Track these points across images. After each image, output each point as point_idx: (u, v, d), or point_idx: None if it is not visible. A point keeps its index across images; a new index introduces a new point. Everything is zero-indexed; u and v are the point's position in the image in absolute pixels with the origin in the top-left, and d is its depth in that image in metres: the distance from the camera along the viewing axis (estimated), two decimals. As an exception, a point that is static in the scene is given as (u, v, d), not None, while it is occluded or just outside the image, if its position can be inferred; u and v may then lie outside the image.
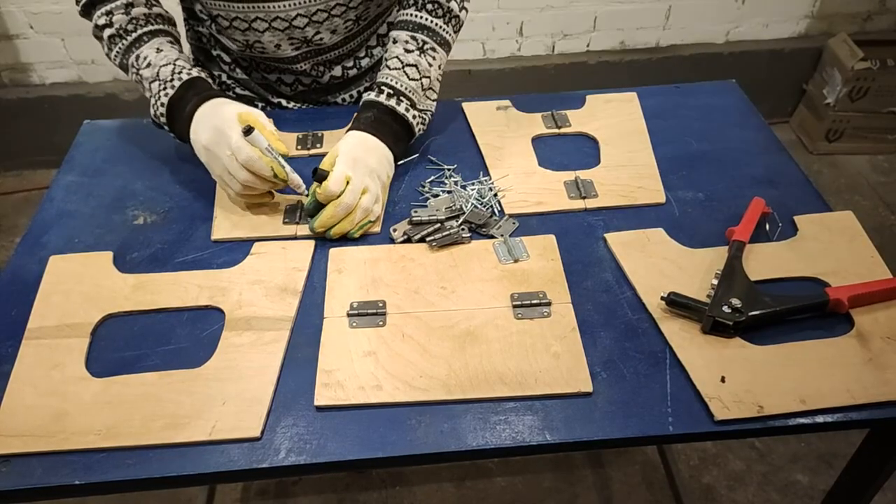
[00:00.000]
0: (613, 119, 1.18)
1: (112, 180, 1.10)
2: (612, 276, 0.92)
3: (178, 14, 1.17)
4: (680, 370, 0.80)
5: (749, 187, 1.04)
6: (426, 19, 1.06)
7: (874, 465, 0.91)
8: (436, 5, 1.06)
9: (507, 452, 0.75)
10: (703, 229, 0.98)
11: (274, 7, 1.05)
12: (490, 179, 1.06)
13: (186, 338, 0.86)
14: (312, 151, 1.13)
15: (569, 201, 1.03)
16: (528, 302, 0.87)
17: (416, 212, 0.99)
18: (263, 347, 0.84)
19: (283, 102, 1.25)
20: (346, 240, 0.98)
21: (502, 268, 0.93)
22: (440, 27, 1.07)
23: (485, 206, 1.02)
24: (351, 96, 1.26)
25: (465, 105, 1.22)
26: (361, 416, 0.77)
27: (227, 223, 1.00)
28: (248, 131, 0.92)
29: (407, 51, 1.06)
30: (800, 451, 1.79)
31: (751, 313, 0.82)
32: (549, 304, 0.87)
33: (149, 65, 1.02)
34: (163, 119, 1.02)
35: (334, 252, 0.95)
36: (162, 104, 1.01)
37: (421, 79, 1.05)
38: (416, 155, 1.12)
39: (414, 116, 1.05)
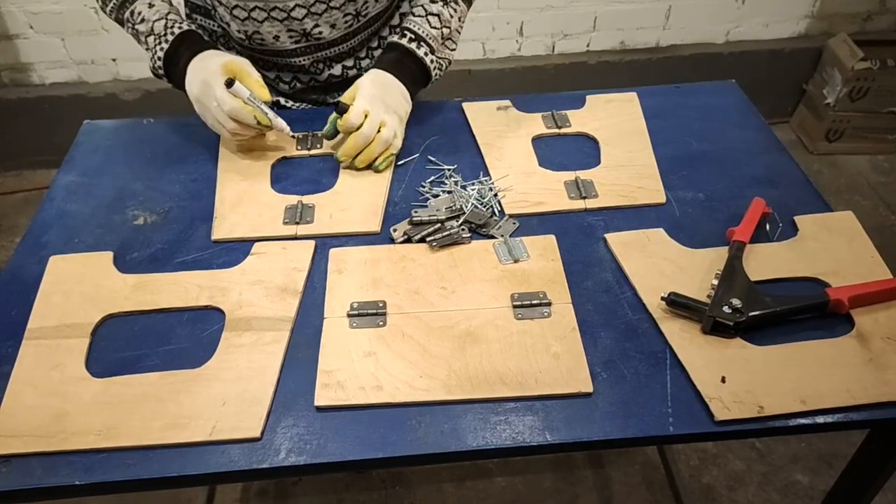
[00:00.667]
0: (613, 119, 1.18)
1: (112, 180, 1.10)
2: (612, 277, 0.92)
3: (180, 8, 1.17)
4: (680, 370, 0.80)
5: (749, 187, 1.04)
6: None
7: (874, 465, 0.91)
8: None
9: (507, 453, 0.75)
10: (704, 229, 0.98)
11: None
12: (490, 179, 1.06)
13: (186, 338, 0.86)
14: (313, 151, 1.13)
15: (569, 201, 1.03)
16: (529, 302, 0.87)
17: (416, 212, 0.99)
18: (264, 348, 0.84)
19: (282, 101, 1.25)
20: (346, 237, 0.98)
21: (502, 268, 0.93)
22: None
23: (485, 207, 1.02)
24: None
25: (465, 105, 1.22)
26: (362, 417, 0.77)
27: (227, 223, 1.00)
28: (229, 83, 1.01)
29: (432, 1, 1.13)
30: (800, 452, 1.79)
31: (751, 313, 0.82)
32: (549, 304, 0.87)
33: (143, 20, 1.09)
34: (161, 72, 1.10)
35: (334, 252, 0.95)
36: (159, 58, 1.09)
37: (442, 28, 1.12)
38: (417, 155, 1.12)
39: (432, 61, 1.12)
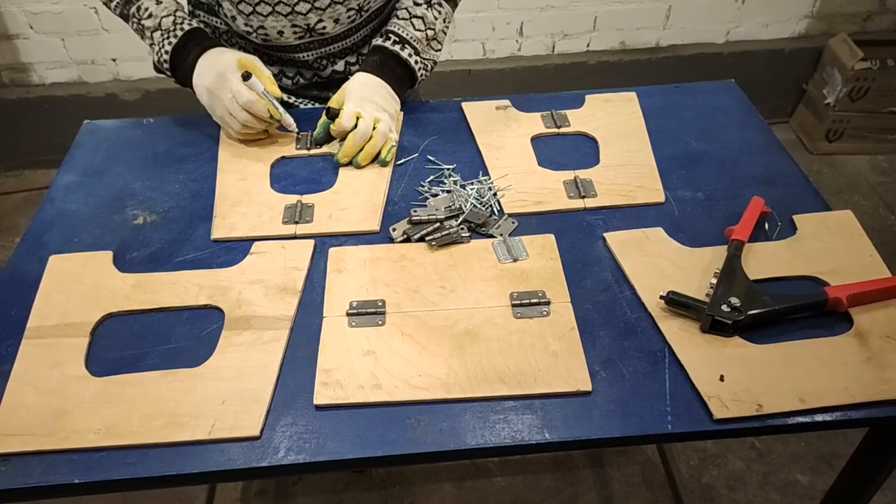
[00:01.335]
0: (613, 119, 1.18)
1: (112, 180, 1.10)
2: (611, 276, 0.92)
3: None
4: (679, 369, 0.80)
5: (748, 187, 1.04)
6: None
7: (874, 464, 0.91)
8: None
9: (506, 451, 0.75)
10: (703, 228, 0.98)
11: None
12: (489, 179, 1.06)
13: (186, 337, 0.86)
14: (312, 151, 1.13)
15: (568, 201, 1.03)
16: (528, 301, 0.87)
17: (415, 211, 0.99)
18: (263, 347, 0.84)
19: (285, 97, 1.25)
20: (346, 236, 0.98)
21: (501, 267, 0.93)
22: None
23: (484, 206, 1.02)
24: None
25: (464, 105, 1.22)
26: (361, 415, 0.77)
27: (226, 223, 1.01)
28: (246, 76, 1.04)
29: (416, 3, 1.14)
30: (800, 451, 1.79)
31: (750, 312, 0.82)
32: (548, 303, 0.87)
33: (150, 15, 1.09)
34: (166, 66, 1.11)
35: (333, 251, 0.95)
36: (166, 52, 1.10)
37: (426, 30, 1.14)
38: (416, 154, 1.12)
39: (416, 62, 1.14)
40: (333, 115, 1.08)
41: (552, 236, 0.97)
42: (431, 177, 1.08)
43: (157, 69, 1.14)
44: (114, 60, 2.47)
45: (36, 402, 0.78)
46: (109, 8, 1.14)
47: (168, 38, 1.09)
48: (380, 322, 0.86)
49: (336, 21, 1.15)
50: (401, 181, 1.08)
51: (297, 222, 1.00)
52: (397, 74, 1.14)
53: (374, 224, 1.00)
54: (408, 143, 1.14)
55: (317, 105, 1.27)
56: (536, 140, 1.15)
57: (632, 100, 1.22)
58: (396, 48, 1.13)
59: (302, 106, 1.26)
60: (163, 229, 1.01)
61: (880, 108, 2.57)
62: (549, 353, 0.82)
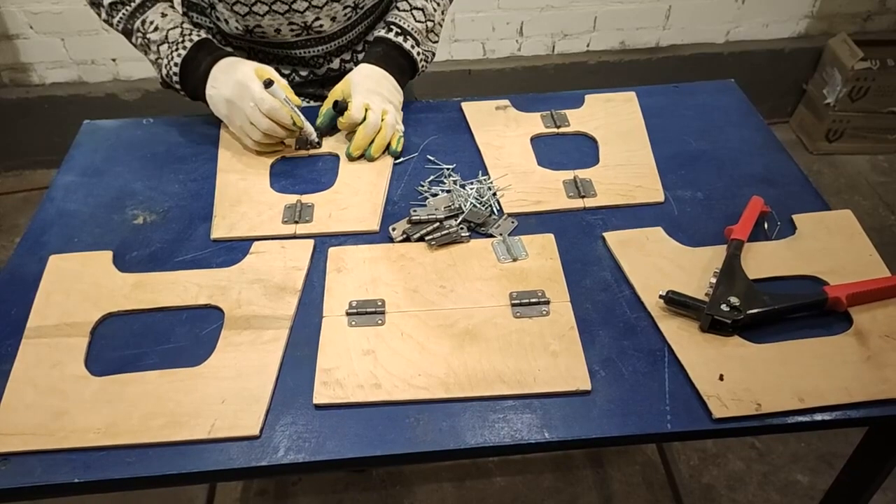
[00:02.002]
0: (612, 118, 1.18)
1: (112, 180, 1.10)
2: (610, 275, 0.92)
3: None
4: (678, 368, 0.80)
5: (748, 186, 1.04)
6: None
7: (873, 463, 0.91)
8: None
9: (505, 451, 0.75)
10: (702, 228, 0.98)
11: None
12: (489, 179, 1.06)
13: (186, 337, 0.86)
14: (312, 152, 1.13)
15: (567, 200, 1.03)
16: (527, 301, 0.87)
17: (415, 211, 0.99)
18: (262, 346, 0.84)
19: None
20: (345, 236, 0.98)
21: (501, 267, 0.93)
22: None
23: (484, 206, 1.02)
24: None
25: (464, 105, 1.22)
26: (360, 415, 0.77)
27: (226, 222, 1.01)
28: (269, 84, 1.03)
29: None
30: (800, 451, 1.79)
31: (749, 312, 0.82)
32: (547, 302, 0.87)
33: (156, 28, 1.08)
34: (175, 78, 1.09)
35: (333, 251, 0.96)
36: (175, 64, 1.08)
37: (426, 21, 1.16)
38: (416, 154, 1.12)
39: (418, 53, 1.16)
40: (342, 108, 1.08)
41: (552, 236, 0.97)
42: (431, 176, 1.08)
43: (165, 84, 1.13)
44: (114, 60, 2.47)
45: (36, 401, 0.78)
46: (111, 25, 1.12)
47: (177, 49, 1.08)
48: (379, 322, 0.86)
49: (333, 19, 1.15)
50: (400, 181, 1.08)
51: (296, 222, 1.00)
52: (400, 65, 1.15)
53: (373, 224, 1.00)
54: (408, 142, 1.14)
55: (312, 103, 1.27)
56: (536, 140, 1.15)
57: (632, 100, 1.22)
58: (399, 39, 1.14)
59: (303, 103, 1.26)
60: (163, 229, 1.01)
61: (880, 108, 2.57)
62: (549, 352, 0.82)
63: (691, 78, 2.19)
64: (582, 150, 1.13)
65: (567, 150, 1.13)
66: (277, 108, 1.03)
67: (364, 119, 1.07)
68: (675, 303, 0.85)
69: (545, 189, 1.05)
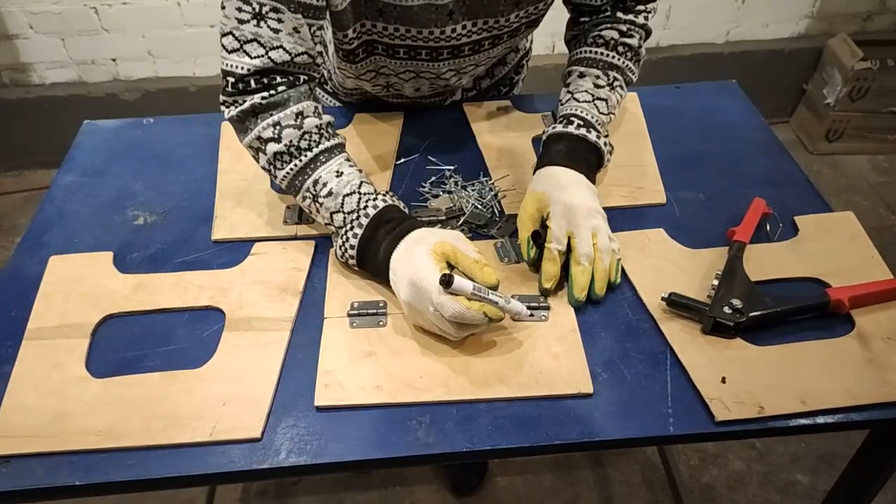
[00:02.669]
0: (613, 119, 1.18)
1: (112, 180, 1.10)
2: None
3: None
4: (680, 371, 0.80)
5: (749, 187, 1.04)
6: (618, 59, 1.03)
7: (874, 465, 0.91)
8: (626, 48, 1.04)
9: (507, 453, 0.75)
10: (704, 230, 0.98)
11: (427, 65, 1.04)
12: (490, 180, 1.06)
13: (187, 338, 0.86)
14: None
15: (569, 202, 1.02)
16: (529, 303, 0.87)
17: (416, 212, 0.99)
18: (264, 348, 0.84)
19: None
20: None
21: (503, 268, 0.92)
22: (629, 68, 1.04)
23: (485, 207, 1.02)
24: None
25: (465, 105, 1.21)
26: (362, 417, 0.77)
27: (227, 223, 1.00)
28: (447, 282, 0.78)
29: (597, 86, 1.02)
30: (800, 452, 1.79)
31: (751, 314, 0.82)
32: (549, 308, 0.87)
33: (329, 193, 0.88)
34: (352, 261, 0.89)
35: (334, 255, 0.95)
36: (351, 246, 0.88)
37: (609, 114, 1.02)
38: (417, 155, 1.12)
39: (605, 143, 0.99)
40: (539, 239, 0.89)
41: (553, 237, 0.96)
42: (432, 178, 1.07)
43: (343, 262, 0.92)
44: (114, 60, 2.46)
45: (36, 403, 0.78)
46: (273, 177, 0.92)
47: (352, 228, 0.87)
48: (381, 323, 0.86)
49: (472, 75, 1.13)
50: (401, 182, 1.07)
51: (298, 223, 1.00)
52: (587, 161, 0.97)
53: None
54: (408, 143, 1.14)
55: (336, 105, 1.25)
56: (537, 140, 1.15)
57: (632, 100, 1.22)
58: (582, 131, 0.97)
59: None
60: (163, 230, 1.01)
61: (880, 108, 2.57)
62: (551, 354, 0.82)
63: (691, 78, 2.19)
64: (583, 151, 1.13)
65: (568, 151, 1.13)
66: (462, 312, 0.78)
67: (569, 249, 0.88)
68: (677, 305, 0.85)
69: (546, 190, 1.04)
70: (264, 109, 0.88)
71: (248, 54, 0.86)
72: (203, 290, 0.90)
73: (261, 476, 0.74)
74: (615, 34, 1.03)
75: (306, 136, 0.89)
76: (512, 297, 0.83)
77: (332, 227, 0.90)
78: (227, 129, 1.15)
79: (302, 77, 0.91)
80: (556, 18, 1.12)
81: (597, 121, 0.99)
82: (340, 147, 0.92)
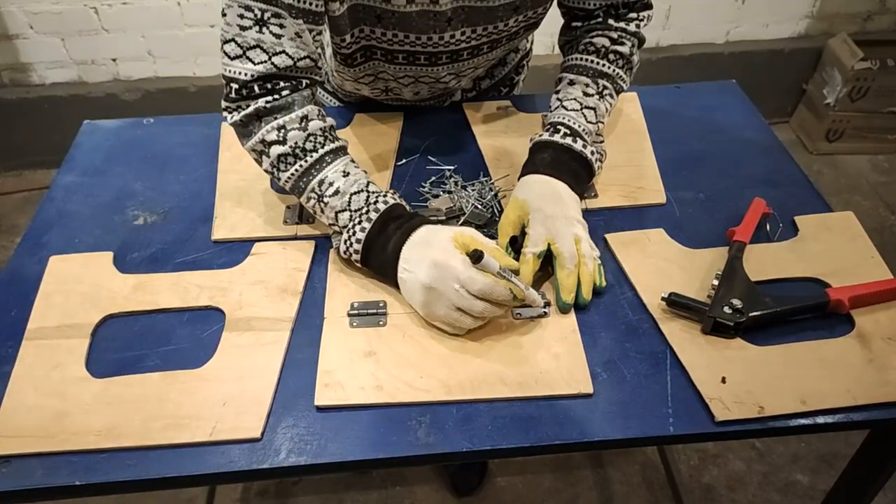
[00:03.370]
0: (613, 119, 1.18)
1: (112, 180, 1.10)
2: (612, 277, 0.92)
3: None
4: (680, 371, 0.80)
5: (749, 187, 1.04)
6: (608, 67, 1.02)
7: (874, 465, 0.91)
8: (617, 55, 1.03)
9: (507, 453, 0.75)
10: (704, 230, 0.98)
11: (426, 70, 1.04)
12: (490, 180, 1.06)
13: (187, 338, 0.86)
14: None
15: (569, 202, 1.02)
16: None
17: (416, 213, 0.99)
18: (264, 348, 0.84)
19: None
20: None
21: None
22: (619, 76, 1.03)
23: (485, 207, 1.02)
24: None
25: (465, 105, 1.21)
26: (362, 417, 0.77)
27: (227, 223, 1.00)
28: (477, 257, 0.79)
29: (586, 94, 1.01)
30: (800, 452, 1.79)
31: (751, 314, 0.82)
32: (549, 304, 0.87)
33: (336, 192, 0.88)
34: (356, 256, 0.88)
35: (334, 252, 0.95)
36: (357, 240, 0.87)
37: (597, 123, 1.00)
38: (417, 155, 1.12)
39: (592, 153, 0.97)
40: (518, 247, 0.90)
41: (553, 237, 0.96)
42: (432, 178, 1.07)
43: (345, 259, 0.92)
44: (114, 60, 2.46)
45: (36, 403, 0.78)
46: (276, 179, 0.92)
47: (360, 222, 0.87)
48: (381, 323, 0.86)
49: (472, 77, 1.13)
50: (401, 182, 1.07)
51: (297, 223, 1.00)
52: (573, 171, 0.96)
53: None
54: (408, 143, 1.14)
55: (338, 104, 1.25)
56: (537, 141, 1.15)
57: (632, 100, 1.22)
58: (567, 140, 0.96)
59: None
60: (163, 230, 1.01)
61: (880, 108, 2.57)
62: (551, 354, 0.82)
63: (691, 78, 2.19)
64: (583, 151, 1.13)
65: (568, 151, 1.13)
66: (491, 286, 0.79)
67: (548, 254, 0.89)
68: (677, 305, 0.85)
69: (546, 190, 1.04)
70: (268, 113, 0.88)
71: (251, 60, 0.86)
72: (203, 290, 0.90)
73: (261, 476, 0.74)
74: (606, 42, 1.03)
75: (311, 139, 0.89)
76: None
77: (336, 227, 0.90)
78: (227, 129, 1.15)
79: (304, 81, 0.91)
80: (557, 18, 1.12)
81: (584, 130, 0.98)
82: (344, 150, 0.93)
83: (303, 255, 0.95)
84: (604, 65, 1.02)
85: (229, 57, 0.87)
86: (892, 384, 0.77)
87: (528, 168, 0.97)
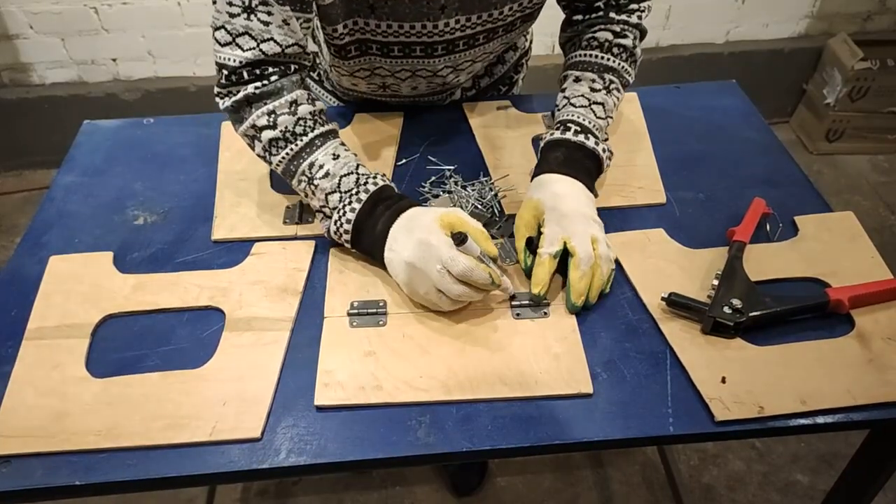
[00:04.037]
0: (613, 119, 1.18)
1: (112, 180, 1.10)
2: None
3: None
4: (680, 371, 0.80)
5: (749, 187, 1.04)
6: (612, 61, 1.02)
7: (874, 465, 0.91)
8: (621, 49, 1.03)
9: (507, 453, 0.75)
10: (704, 230, 0.98)
11: (423, 62, 1.04)
12: (490, 180, 1.06)
13: (187, 338, 0.86)
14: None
15: (569, 202, 1.02)
16: (529, 302, 0.87)
17: (416, 212, 0.99)
18: (264, 348, 0.84)
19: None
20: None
21: (503, 268, 0.92)
22: (625, 70, 1.03)
23: (485, 207, 1.02)
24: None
25: (465, 105, 1.21)
26: (362, 417, 0.77)
27: (227, 223, 1.00)
28: (461, 239, 0.81)
29: (593, 90, 1.00)
30: (800, 452, 1.79)
31: (751, 314, 0.82)
32: (549, 304, 0.87)
33: (326, 174, 0.89)
34: (346, 237, 0.89)
35: (334, 252, 0.95)
36: (347, 220, 0.88)
37: (606, 118, 1.00)
38: (417, 155, 1.12)
39: (604, 150, 0.97)
40: (535, 247, 0.89)
41: (553, 237, 0.96)
42: (432, 178, 1.07)
43: (333, 239, 0.93)
44: (114, 60, 2.46)
45: (36, 403, 0.78)
46: (268, 163, 0.93)
47: (350, 203, 0.88)
48: (381, 323, 0.86)
49: (469, 73, 1.13)
50: (401, 182, 1.07)
51: (297, 223, 1.00)
52: (586, 168, 0.95)
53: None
54: (408, 143, 1.14)
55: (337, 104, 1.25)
56: (537, 140, 1.15)
57: (632, 100, 1.22)
58: (580, 138, 0.95)
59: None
60: (163, 230, 1.01)
61: (880, 108, 2.57)
62: (551, 354, 0.82)
63: (691, 78, 2.19)
64: (583, 151, 1.13)
65: (568, 151, 1.13)
66: (472, 269, 0.80)
67: (563, 255, 0.87)
68: (677, 305, 0.85)
69: (546, 190, 1.04)
70: (258, 99, 0.90)
71: (240, 47, 0.88)
72: (203, 290, 0.91)
73: (261, 476, 0.74)
74: (609, 35, 1.03)
75: (301, 122, 0.91)
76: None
77: (327, 209, 0.91)
78: (227, 129, 1.15)
79: (293, 66, 0.93)
80: (557, 18, 1.12)
81: (594, 126, 0.98)
82: (334, 133, 0.94)
83: (303, 255, 0.95)
84: (609, 59, 1.02)
85: (220, 44, 0.89)
86: (891, 384, 0.77)
87: (542, 167, 0.96)
